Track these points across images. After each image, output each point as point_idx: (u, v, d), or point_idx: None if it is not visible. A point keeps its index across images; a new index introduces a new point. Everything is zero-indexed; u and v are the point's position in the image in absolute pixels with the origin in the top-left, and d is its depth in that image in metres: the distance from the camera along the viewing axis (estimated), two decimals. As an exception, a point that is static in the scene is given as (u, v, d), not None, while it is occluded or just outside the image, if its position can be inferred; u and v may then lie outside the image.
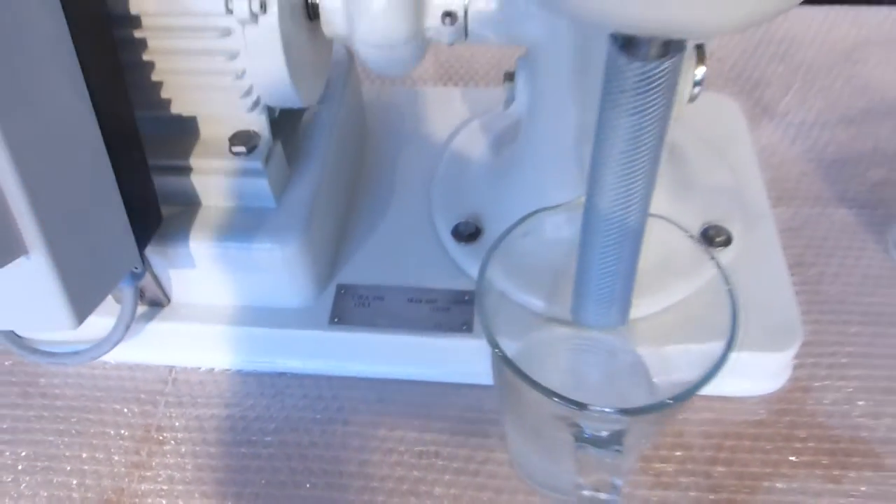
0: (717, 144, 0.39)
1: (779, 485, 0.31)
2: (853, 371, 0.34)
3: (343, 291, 0.34)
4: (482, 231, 0.34)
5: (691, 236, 0.25)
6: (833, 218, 0.40)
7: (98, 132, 0.24)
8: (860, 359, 0.34)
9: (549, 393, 0.21)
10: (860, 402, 0.33)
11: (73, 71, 0.23)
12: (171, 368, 0.35)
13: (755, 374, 0.33)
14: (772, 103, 0.47)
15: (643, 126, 0.21)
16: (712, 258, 0.25)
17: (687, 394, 0.21)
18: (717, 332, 0.29)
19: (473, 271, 0.30)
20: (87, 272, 0.24)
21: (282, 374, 0.35)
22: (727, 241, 0.34)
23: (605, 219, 0.24)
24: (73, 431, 0.33)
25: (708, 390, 0.33)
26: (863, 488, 0.31)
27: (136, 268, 0.28)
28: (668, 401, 0.21)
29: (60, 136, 0.22)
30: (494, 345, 0.23)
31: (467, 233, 0.34)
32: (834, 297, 0.37)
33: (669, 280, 0.30)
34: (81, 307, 0.23)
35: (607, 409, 0.21)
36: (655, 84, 0.20)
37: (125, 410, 0.34)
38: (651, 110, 0.21)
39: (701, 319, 0.28)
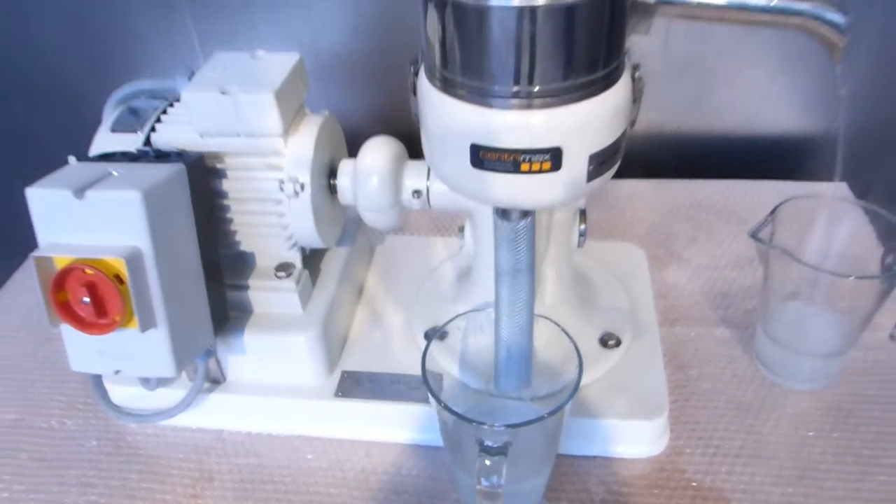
0: (621, 278, 0.54)
1: (651, 518, 0.42)
2: (715, 441, 0.46)
3: (346, 375, 0.48)
4: (447, 334, 0.49)
5: (563, 331, 0.39)
6: (714, 334, 0.54)
7: (199, 261, 0.40)
8: (721, 433, 0.47)
9: (459, 415, 0.35)
10: (719, 463, 0.45)
11: (191, 223, 0.39)
12: (221, 431, 0.49)
13: (640, 440, 0.45)
14: (678, 251, 0.62)
15: (518, 259, 0.36)
16: (571, 341, 0.38)
17: (537, 419, 0.34)
18: (595, 405, 0.43)
19: (442, 361, 0.43)
20: (184, 343, 0.39)
21: (299, 436, 0.48)
22: (617, 344, 0.48)
23: (504, 319, 0.38)
24: (149, 472, 0.47)
25: (608, 453, 0.46)
26: (712, 523, 0.42)
27: (211, 346, 0.42)
28: (525, 422, 0.34)
29: (179, 263, 0.38)
30: (430, 391, 0.37)
31: (438, 335, 0.49)
32: (708, 390, 0.50)
33: (567, 369, 0.44)
34: (179, 363, 0.38)
35: (496, 425, 0.34)
36: (520, 235, 0.36)
37: (186, 459, 0.47)
38: (521, 249, 0.36)
39: (587, 393, 0.42)
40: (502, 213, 0.35)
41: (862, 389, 0.49)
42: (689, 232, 0.64)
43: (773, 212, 0.47)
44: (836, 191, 0.66)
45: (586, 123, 0.32)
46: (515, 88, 0.31)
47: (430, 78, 0.33)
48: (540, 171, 0.32)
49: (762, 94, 0.70)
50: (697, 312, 0.56)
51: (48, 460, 0.48)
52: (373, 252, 0.59)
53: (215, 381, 0.48)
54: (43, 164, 0.44)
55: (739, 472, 0.45)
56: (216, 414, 0.48)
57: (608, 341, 0.48)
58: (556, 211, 0.43)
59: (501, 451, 0.35)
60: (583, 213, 0.46)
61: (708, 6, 0.34)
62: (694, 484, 0.44)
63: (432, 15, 0.31)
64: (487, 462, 0.35)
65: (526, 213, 0.35)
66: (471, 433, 0.36)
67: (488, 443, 0.35)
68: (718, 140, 0.73)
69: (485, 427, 0.35)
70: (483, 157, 0.32)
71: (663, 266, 0.60)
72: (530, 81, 0.31)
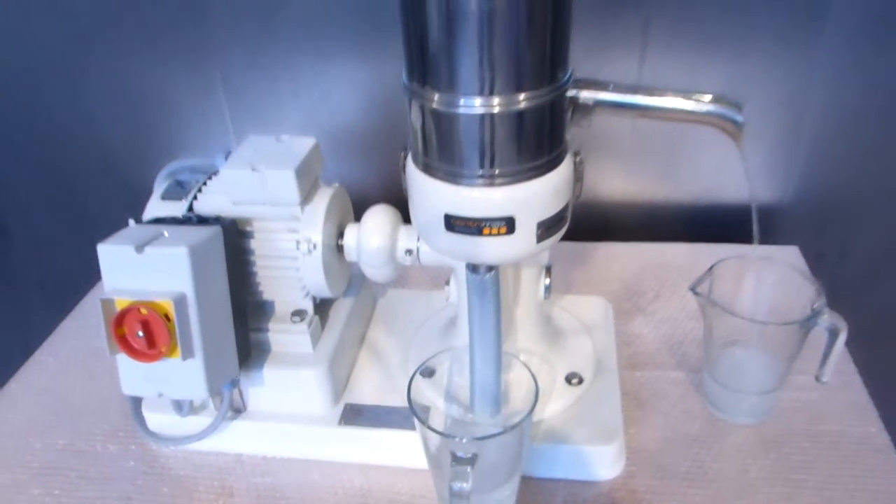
0: (589, 327, 0.62)
1: (605, 530, 0.50)
2: (665, 467, 0.54)
3: (349, 407, 0.56)
4: (434, 371, 0.57)
5: (524, 364, 0.48)
6: (670, 377, 0.61)
7: (230, 305, 0.49)
8: (671, 459, 0.54)
9: (436, 431, 0.43)
10: (666, 485, 0.52)
11: (224, 275, 0.48)
12: (241, 454, 0.57)
13: (598, 465, 0.53)
14: (644, 305, 0.70)
15: (484, 304, 0.45)
16: (529, 372, 0.47)
17: (497, 434, 0.42)
18: (560, 433, 0.50)
19: (429, 395, 0.51)
20: (215, 372, 0.47)
21: (308, 459, 0.56)
22: (580, 381, 0.56)
23: (477, 354, 0.47)
24: (178, 488, 0.55)
25: (574, 476, 0.53)
26: (657, 534, 0.49)
27: (236, 377, 0.51)
28: (487, 436, 0.42)
29: (214, 306, 0.47)
30: (414, 413, 0.45)
31: (426, 373, 0.57)
32: (661, 423, 0.57)
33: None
34: (211, 388, 0.47)
35: (464, 439, 0.42)
36: (487, 285, 0.44)
37: (210, 478, 0.55)
38: (488, 296, 0.45)
39: (553, 423, 0.49)
40: (472, 268, 0.44)
41: (794, 424, 0.56)
42: (655, 289, 0.72)
43: (709, 270, 0.55)
44: (786, 254, 0.75)
45: (534, 198, 0.41)
46: (479, 171, 0.40)
47: (415, 161, 0.43)
48: (498, 235, 0.41)
49: (721, 169, 0.79)
50: (657, 358, 0.64)
51: (93, 479, 0.56)
52: (375, 303, 0.67)
53: (237, 410, 0.56)
54: (92, 226, 0.54)
55: (683, 492, 0.52)
56: (237, 439, 0.56)
57: (572, 379, 0.56)
58: (522, 267, 0.52)
59: (469, 462, 0.43)
60: (548, 270, 0.54)
61: (636, 107, 0.44)
62: (642, 502, 0.51)
63: (416, 115, 0.41)
64: (458, 469, 0.43)
65: (490, 268, 0.44)
66: (446, 447, 0.44)
67: (459, 454, 0.43)
68: (685, 208, 0.82)
69: (456, 439, 0.43)
70: (454, 223, 0.42)
71: (631, 318, 0.68)
72: (491, 166, 0.40)
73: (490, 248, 0.42)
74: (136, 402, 0.56)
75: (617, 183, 0.83)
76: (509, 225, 0.41)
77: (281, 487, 0.54)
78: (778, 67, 0.73)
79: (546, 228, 0.43)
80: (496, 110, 0.39)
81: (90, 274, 0.65)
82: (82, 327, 0.73)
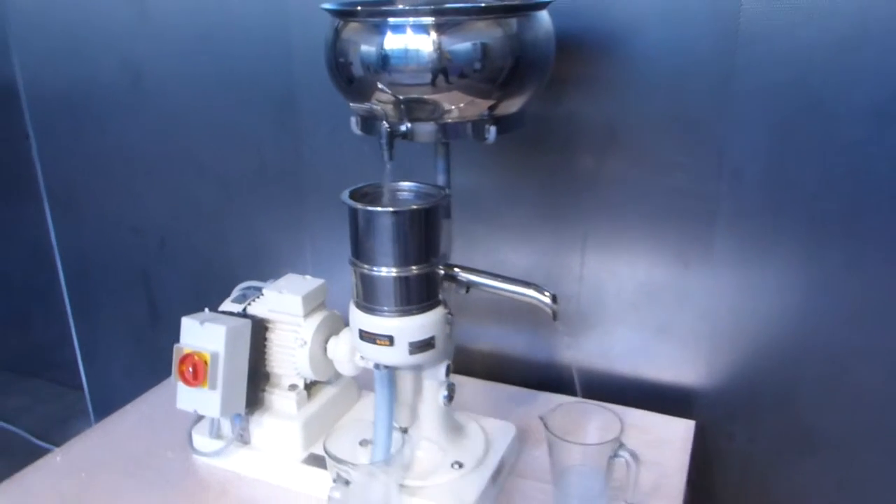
0: (489, 438, 0.87)
1: (440, 565, 0.73)
2: (501, 539, 0.76)
3: (312, 455, 0.85)
4: (370, 443, 0.84)
5: (403, 435, 0.75)
6: (543, 487, 0.84)
7: (246, 367, 0.82)
8: (507, 535, 0.77)
9: (329, 454, 0.71)
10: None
11: (246, 349, 0.82)
12: (238, 472, 0.87)
13: (454, 525, 0.77)
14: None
15: (382, 391, 0.74)
16: (402, 438, 0.74)
17: (370, 465, 0.70)
18: (434, 497, 0.76)
19: (362, 459, 0.79)
20: (228, 404, 0.79)
21: (277, 485, 0.85)
22: (461, 467, 0.81)
23: (377, 424, 0.75)
24: (197, 483, 0.85)
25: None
26: (472, 575, 0.72)
27: (241, 412, 0.83)
28: (361, 465, 0.69)
29: (236, 365, 0.80)
30: (327, 453, 0.73)
31: (364, 444, 0.85)
32: (516, 513, 0.80)
33: (421, 475, 0.78)
34: (223, 412, 0.79)
35: (349, 466, 0.70)
36: (384, 377, 0.74)
37: (218, 481, 0.85)
38: (384, 385, 0.74)
39: (432, 490, 0.76)
40: (375, 365, 0.74)
41: (608, 532, 0.77)
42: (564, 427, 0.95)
43: (553, 409, 0.80)
44: (683, 425, 0.96)
45: (406, 327, 0.71)
46: (380, 308, 0.72)
47: (353, 299, 0.75)
48: (384, 346, 0.72)
49: (646, 349, 1.03)
50: (540, 474, 0.86)
51: (154, 467, 0.89)
52: (360, 397, 0.97)
53: (245, 441, 0.87)
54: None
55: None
56: (238, 461, 0.87)
57: (454, 465, 0.81)
58: (425, 379, 0.80)
59: (343, 481, 0.70)
60: (451, 386, 0.82)
61: (493, 288, 0.74)
62: (475, 555, 0.74)
63: (354, 275, 0.74)
64: (336, 484, 0.70)
65: (387, 366, 0.74)
66: (337, 470, 0.72)
67: (341, 475, 0.71)
68: (617, 380, 1.05)
69: (342, 462, 0.71)
70: (363, 335, 0.73)
71: (540, 445, 0.92)
72: (385, 305, 0.71)
73: (380, 354, 0.72)
74: (191, 427, 0.89)
75: (576, 351, 1.08)
76: (391, 340, 0.71)
77: (256, 497, 0.83)
78: (680, 276, 0.97)
79: (416, 347, 0.72)
80: (394, 274, 0.70)
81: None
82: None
